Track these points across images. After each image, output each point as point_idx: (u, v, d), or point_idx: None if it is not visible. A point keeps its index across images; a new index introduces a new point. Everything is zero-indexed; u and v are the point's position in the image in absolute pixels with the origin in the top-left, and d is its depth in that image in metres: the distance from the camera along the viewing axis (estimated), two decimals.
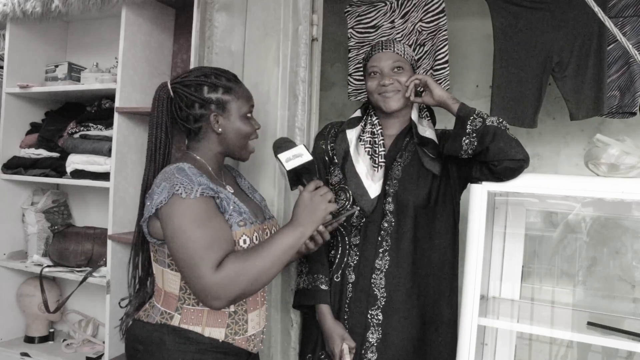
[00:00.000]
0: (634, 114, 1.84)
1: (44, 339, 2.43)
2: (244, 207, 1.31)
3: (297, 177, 1.33)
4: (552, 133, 2.22)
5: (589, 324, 1.49)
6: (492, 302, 1.72)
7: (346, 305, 1.54)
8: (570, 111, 1.89)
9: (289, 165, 1.31)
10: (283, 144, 1.37)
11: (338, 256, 1.57)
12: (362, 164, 1.58)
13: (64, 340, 2.42)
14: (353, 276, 1.54)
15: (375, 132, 1.61)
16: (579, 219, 1.90)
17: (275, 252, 1.19)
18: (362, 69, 1.78)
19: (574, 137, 2.19)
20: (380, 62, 1.57)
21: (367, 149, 1.59)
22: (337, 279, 1.56)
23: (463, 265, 1.48)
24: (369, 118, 1.64)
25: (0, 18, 2.33)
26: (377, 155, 1.58)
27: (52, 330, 2.48)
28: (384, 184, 1.56)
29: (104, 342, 2.16)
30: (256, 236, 1.28)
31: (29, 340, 2.42)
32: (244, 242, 1.25)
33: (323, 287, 1.54)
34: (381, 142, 1.59)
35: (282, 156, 1.33)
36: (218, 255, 1.16)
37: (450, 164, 1.56)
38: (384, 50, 1.58)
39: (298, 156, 1.32)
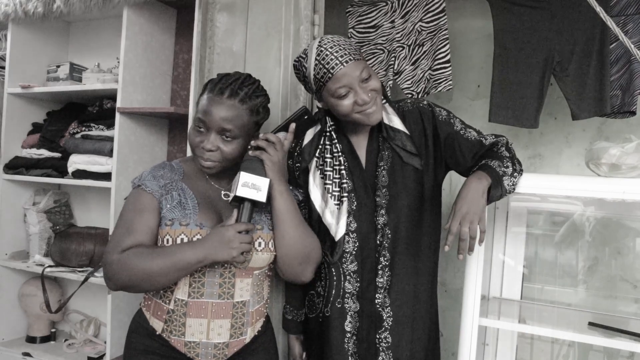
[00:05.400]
0: (634, 113, 1.84)
1: (45, 339, 2.44)
2: (191, 209, 1.31)
3: (238, 202, 1.28)
4: (553, 133, 2.22)
5: (590, 324, 1.49)
6: (493, 303, 1.72)
7: (348, 334, 1.44)
8: (572, 111, 1.89)
9: (241, 192, 1.25)
10: (254, 165, 1.30)
11: (335, 284, 1.45)
12: (321, 200, 1.45)
13: (66, 340, 2.42)
14: (357, 304, 1.44)
15: (335, 157, 1.44)
16: (580, 219, 1.89)
17: (168, 262, 1.23)
18: (314, 90, 1.41)
19: (576, 137, 2.18)
20: (347, 77, 1.31)
21: (327, 185, 1.44)
22: (338, 305, 1.45)
23: (464, 265, 1.48)
24: (327, 140, 1.46)
25: (2, 18, 2.33)
26: (338, 190, 1.43)
27: (53, 330, 2.48)
28: (373, 196, 1.44)
29: (105, 342, 2.16)
30: (182, 238, 1.27)
31: (31, 340, 2.42)
32: (167, 241, 1.28)
33: (287, 317, 1.61)
34: (343, 171, 1.43)
35: (244, 177, 1.26)
36: (129, 242, 1.26)
37: (437, 158, 1.47)
38: (346, 64, 1.31)
39: (257, 189, 1.26)
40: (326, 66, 1.32)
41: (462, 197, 1.28)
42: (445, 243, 1.27)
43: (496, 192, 1.32)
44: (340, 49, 1.33)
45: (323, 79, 1.34)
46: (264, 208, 1.38)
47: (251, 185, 1.26)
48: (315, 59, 1.34)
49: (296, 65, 1.43)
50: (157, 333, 1.33)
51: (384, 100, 1.47)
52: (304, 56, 1.40)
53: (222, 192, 1.40)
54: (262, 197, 1.27)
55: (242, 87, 1.32)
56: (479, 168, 1.35)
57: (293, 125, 1.42)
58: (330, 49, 1.33)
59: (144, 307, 1.39)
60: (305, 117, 1.43)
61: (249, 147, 1.37)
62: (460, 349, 1.46)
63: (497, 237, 1.77)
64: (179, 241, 1.27)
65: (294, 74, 1.48)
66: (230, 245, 1.22)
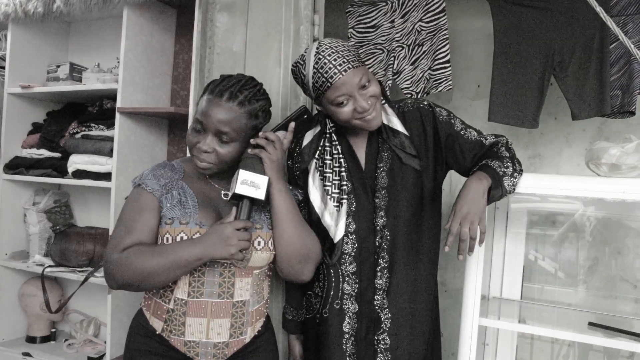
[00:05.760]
0: (633, 113, 1.84)
1: (45, 339, 2.44)
2: (191, 208, 1.32)
3: (237, 200, 1.28)
4: (553, 133, 2.22)
5: (590, 324, 1.49)
6: (493, 303, 1.72)
7: (347, 335, 1.44)
8: (572, 111, 1.89)
9: (240, 190, 1.25)
10: (253, 163, 1.31)
11: (333, 285, 1.44)
12: (320, 202, 1.45)
13: (66, 340, 2.42)
14: (356, 305, 1.44)
15: (335, 158, 1.44)
16: (580, 219, 1.89)
17: (167, 260, 1.23)
18: (313, 97, 1.41)
19: (576, 137, 2.18)
20: (346, 86, 1.31)
21: (326, 187, 1.44)
22: (337, 306, 1.44)
23: (464, 265, 1.48)
24: (327, 142, 1.46)
25: (2, 18, 2.33)
26: (338, 191, 1.43)
27: (53, 330, 2.48)
28: (373, 197, 1.44)
29: (105, 342, 2.16)
30: (181, 236, 1.28)
31: (31, 340, 2.42)
32: (167, 239, 1.28)
33: (288, 317, 1.61)
34: (343, 173, 1.43)
35: (243, 174, 1.26)
36: (129, 241, 1.26)
37: (437, 159, 1.47)
38: (345, 73, 1.30)
39: (256, 187, 1.26)
40: (325, 75, 1.31)
41: (462, 198, 1.28)
42: (445, 243, 1.27)
43: (496, 192, 1.32)
44: (338, 57, 1.31)
45: (322, 87, 1.33)
46: (263, 207, 1.38)
47: (250, 183, 1.26)
48: (314, 67, 1.33)
49: (294, 71, 1.42)
50: (157, 333, 1.33)
51: (383, 101, 1.46)
52: (302, 63, 1.38)
53: (222, 192, 1.40)
54: (260, 195, 1.27)
55: (242, 90, 1.31)
56: (479, 168, 1.35)
57: (293, 124, 1.42)
58: (328, 57, 1.31)
59: (144, 307, 1.39)
60: (305, 116, 1.43)
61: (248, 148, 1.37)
62: (460, 349, 1.46)
63: (497, 237, 1.77)
64: (178, 239, 1.27)
65: None
66: (229, 243, 1.22)
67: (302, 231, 1.36)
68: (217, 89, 1.31)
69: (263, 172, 1.31)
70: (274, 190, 1.33)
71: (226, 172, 1.39)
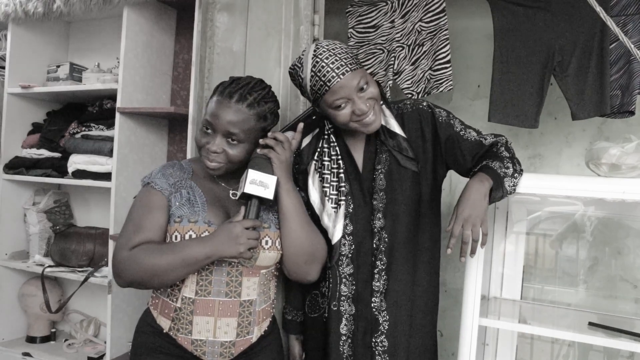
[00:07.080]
0: (633, 113, 1.84)
1: (45, 339, 2.44)
2: (200, 207, 1.33)
3: (246, 199, 1.29)
4: (553, 133, 2.22)
5: (590, 324, 1.49)
6: (494, 303, 1.72)
7: (344, 337, 1.44)
8: (572, 111, 1.89)
9: (249, 189, 1.26)
10: (262, 163, 1.32)
11: (331, 286, 1.45)
12: (319, 203, 1.45)
13: (66, 340, 2.42)
14: (353, 307, 1.44)
15: (334, 160, 1.44)
16: (580, 219, 1.89)
17: (177, 258, 1.24)
18: (311, 100, 1.41)
19: (576, 137, 2.19)
20: (345, 90, 1.30)
21: (325, 188, 1.44)
22: (334, 307, 1.44)
23: (464, 265, 1.48)
24: (325, 143, 1.46)
25: (2, 18, 2.33)
26: (336, 193, 1.43)
27: (53, 330, 2.48)
28: (371, 199, 1.43)
29: (105, 342, 2.16)
30: (190, 235, 1.28)
31: (31, 340, 2.42)
32: (175, 237, 1.29)
33: (287, 317, 1.61)
34: (342, 174, 1.43)
35: (252, 174, 1.27)
36: (138, 239, 1.27)
37: (436, 160, 1.47)
38: (343, 76, 1.29)
39: (264, 186, 1.28)
40: (322, 79, 1.30)
41: (464, 200, 1.28)
42: (447, 246, 1.27)
43: (497, 193, 1.32)
44: (336, 60, 1.30)
45: (320, 91, 1.32)
46: (271, 207, 1.38)
47: (259, 183, 1.27)
48: (311, 71, 1.32)
49: (292, 74, 1.42)
50: (164, 331, 1.34)
51: (382, 103, 1.45)
52: (299, 66, 1.37)
53: (230, 191, 1.40)
54: (269, 195, 1.28)
55: (251, 92, 1.32)
56: (480, 169, 1.35)
57: (301, 125, 1.43)
58: (326, 60, 1.30)
59: (151, 306, 1.40)
60: (314, 117, 1.43)
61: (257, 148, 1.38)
62: (460, 349, 1.46)
63: (497, 237, 1.77)
64: (187, 238, 1.28)
65: None
66: (238, 241, 1.23)
67: (309, 231, 1.37)
68: (226, 90, 1.32)
69: (272, 172, 1.31)
70: (282, 190, 1.34)
71: (234, 172, 1.39)
